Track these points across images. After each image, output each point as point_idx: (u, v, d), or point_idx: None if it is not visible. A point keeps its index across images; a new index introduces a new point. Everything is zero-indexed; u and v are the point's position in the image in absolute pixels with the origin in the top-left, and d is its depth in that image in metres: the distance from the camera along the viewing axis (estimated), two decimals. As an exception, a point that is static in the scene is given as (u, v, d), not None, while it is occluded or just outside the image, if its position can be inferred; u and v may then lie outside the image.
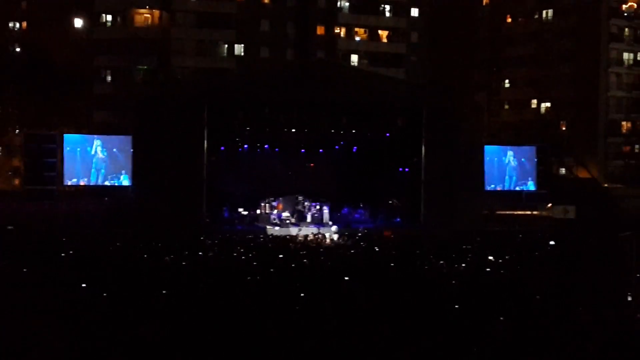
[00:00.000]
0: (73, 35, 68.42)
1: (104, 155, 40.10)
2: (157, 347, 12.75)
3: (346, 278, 19.07)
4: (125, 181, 40.13)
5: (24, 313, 14.72)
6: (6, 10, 72.43)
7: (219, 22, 67.78)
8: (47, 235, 30.97)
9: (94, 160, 39.97)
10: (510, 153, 45.79)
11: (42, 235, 30.68)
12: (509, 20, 78.02)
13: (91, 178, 39.93)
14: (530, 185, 46.00)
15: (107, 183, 40.12)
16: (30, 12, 71.96)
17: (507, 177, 45.58)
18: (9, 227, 34.09)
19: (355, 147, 45.74)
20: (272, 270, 20.93)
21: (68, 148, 39.82)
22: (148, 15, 68.49)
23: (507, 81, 78.27)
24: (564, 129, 73.11)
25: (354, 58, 72.48)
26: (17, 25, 73.41)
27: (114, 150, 40.29)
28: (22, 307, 15.21)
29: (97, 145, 40.19)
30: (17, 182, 66.33)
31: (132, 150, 39.92)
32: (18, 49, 72.99)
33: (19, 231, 32.86)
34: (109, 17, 68.71)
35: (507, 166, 45.54)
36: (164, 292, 16.75)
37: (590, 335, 13.35)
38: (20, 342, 12.75)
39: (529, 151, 46.14)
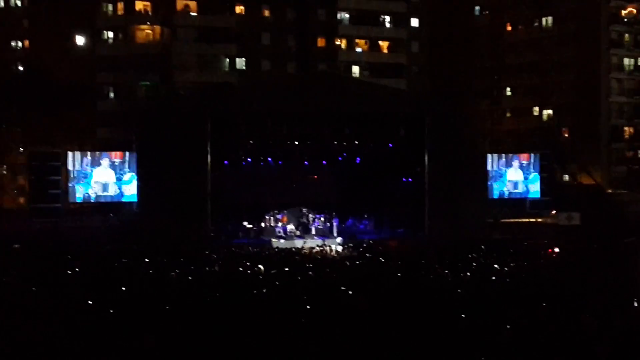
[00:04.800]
0: (75, 52, 68.52)
1: (107, 171, 40.22)
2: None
3: (350, 291, 19.04)
4: (133, 181, 40.23)
5: (29, 329, 14.75)
6: (8, 29, 72.68)
7: (220, 36, 67.90)
8: (53, 252, 30.95)
9: (97, 176, 40.08)
10: (513, 161, 45.85)
11: (47, 253, 30.66)
12: (509, 28, 78.08)
13: (96, 192, 40.09)
14: (534, 193, 46.04)
15: (114, 192, 40.18)
16: (32, 31, 72.16)
17: (510, 185, 45.62)
18: (15, 246, 34.11)
19: (358, 158, 45.82)
20: (277, 283, 20.93)
21: (72, 165, 39.92)
22: (149, 31, 68.63)
23: (508, 89, 78.28)
24: (566, 135, 73.06)
25: (355, 69, 72.53)
26: (19, 44, 73.65)
27: (117, 166, 40.39)
28: (27, 323, 15.24)
29: (100, 162, 40.32)
30: (22, 200, 66.48)
31: (136, 165, 40.04)
32: (20, 68, 73.21)
33: (24, 249, 32.86)
34: (111, 34, 68.84)
35: (510, 174, 45.57)
36: (167, 307, 16.75)
37: (597, 342, 13.34)
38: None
39: (532, 158, 46.19)
